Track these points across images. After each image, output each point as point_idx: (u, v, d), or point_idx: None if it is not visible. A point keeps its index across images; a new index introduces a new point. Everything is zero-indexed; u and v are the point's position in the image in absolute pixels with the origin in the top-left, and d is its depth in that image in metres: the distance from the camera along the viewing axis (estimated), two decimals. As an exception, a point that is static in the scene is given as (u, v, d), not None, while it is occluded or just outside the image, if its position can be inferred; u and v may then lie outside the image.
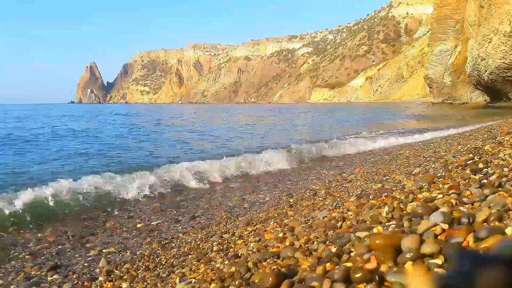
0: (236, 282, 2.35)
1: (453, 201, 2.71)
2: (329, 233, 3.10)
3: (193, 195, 7.94)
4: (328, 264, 2.06)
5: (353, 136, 17.30)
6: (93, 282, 3.94)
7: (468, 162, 4.60)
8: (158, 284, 3.44)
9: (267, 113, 57.85)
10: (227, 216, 6.13)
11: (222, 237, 4.64)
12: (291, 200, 6.42)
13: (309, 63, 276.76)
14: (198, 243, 4.70)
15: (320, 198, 5.98)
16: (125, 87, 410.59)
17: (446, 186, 3.40)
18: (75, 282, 3.99)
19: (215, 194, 7.95)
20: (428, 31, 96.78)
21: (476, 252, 0.66)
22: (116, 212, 6.72)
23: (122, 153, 13.23)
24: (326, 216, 3.82)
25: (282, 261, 2.58)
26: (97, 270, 4.28)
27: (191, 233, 5.33)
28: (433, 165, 5.83)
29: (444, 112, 40.62)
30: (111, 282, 3.86)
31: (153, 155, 13.07)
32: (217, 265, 3.23)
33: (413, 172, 5.81)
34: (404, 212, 2.88)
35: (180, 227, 5.79)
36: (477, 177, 3.53)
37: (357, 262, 1.96)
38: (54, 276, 4.20)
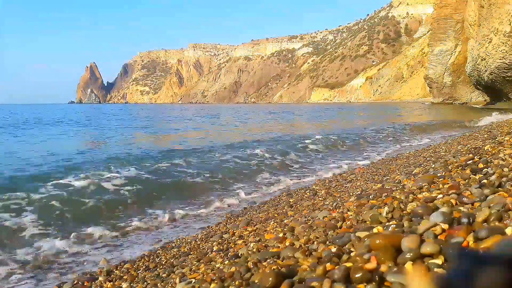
0: (236, 282, 2.35)
1: (453, 201, 2.71)
2: (329, 233, 3.10)
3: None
4: (328, 264, 2.06)
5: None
6: (93, 282, 3.93)
7: (468, 162, 4.60)
8: (158, 284, 3.43)
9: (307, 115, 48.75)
10: (227, 216, 6.13)
11: (222, 237, 4.64)
12: (291, 200, 6.42)
13: (309, 63, 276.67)
14: (198, 243, 4.70)
15: (320, 198, 5.97)
16: (125, 87, 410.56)
17: (446, 186, 3.40)
18: (75, 282, 3.99)
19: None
20: (428, 31, 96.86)
21: (476, 252, 0.66)
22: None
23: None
24: (326, 216, 3.81)
25: (282, 261, 2.58)
26: (97, 270, 4.28)
27: (191, 233, 5.34)
28: (433, 165, 5.83)
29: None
30: (111, 282, 3.85)
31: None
32: (217, 265, 3.22)
33: (413, 172, 5.81)
34: (404, 212, 2.87)
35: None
36: (477, 177, 3.53)
37: (357, 262, 1.96)
38: (54, 276, 4.20)
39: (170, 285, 3.26)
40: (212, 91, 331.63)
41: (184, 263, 3.92)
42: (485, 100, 52.67)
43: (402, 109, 53.71)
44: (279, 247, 3.10)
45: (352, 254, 2.20)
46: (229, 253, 3.66)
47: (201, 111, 64.35)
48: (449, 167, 4.88)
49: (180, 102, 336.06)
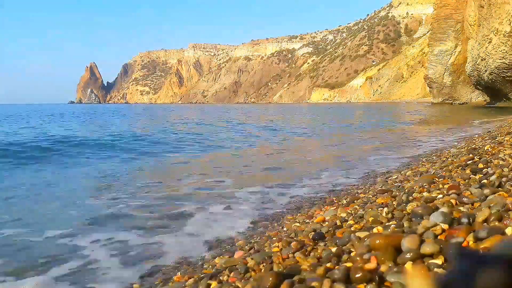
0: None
1: (453, 201, 2.71)
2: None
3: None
4: (328, 264, 2.06)
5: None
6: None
7: (468, 162, 4.61)
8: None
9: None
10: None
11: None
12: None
13: (309, 63, 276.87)
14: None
15: (320, 198, 5.95)
16: (125, 87, 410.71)
17: (446, 186, 3.40)
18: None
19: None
20: (428, 31, 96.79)
21: (476, 252, 0.66)
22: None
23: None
24: (326, 216, 3.81)
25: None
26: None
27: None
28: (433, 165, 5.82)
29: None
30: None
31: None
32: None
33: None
34: (404, 212, 2.88)
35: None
36: (477, 177, 3.53)
37: (357, 262, 1.96)
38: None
39: (170, 285, 3.25)
40: (212, 91, 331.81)
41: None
42: (485, 100, 52.70)
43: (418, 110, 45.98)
44: (278, 246, 3.10)
45: (352, 254, 2.20)
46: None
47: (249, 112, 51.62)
48: (449, 167, 4.87)
49: (180, 102, 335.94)
